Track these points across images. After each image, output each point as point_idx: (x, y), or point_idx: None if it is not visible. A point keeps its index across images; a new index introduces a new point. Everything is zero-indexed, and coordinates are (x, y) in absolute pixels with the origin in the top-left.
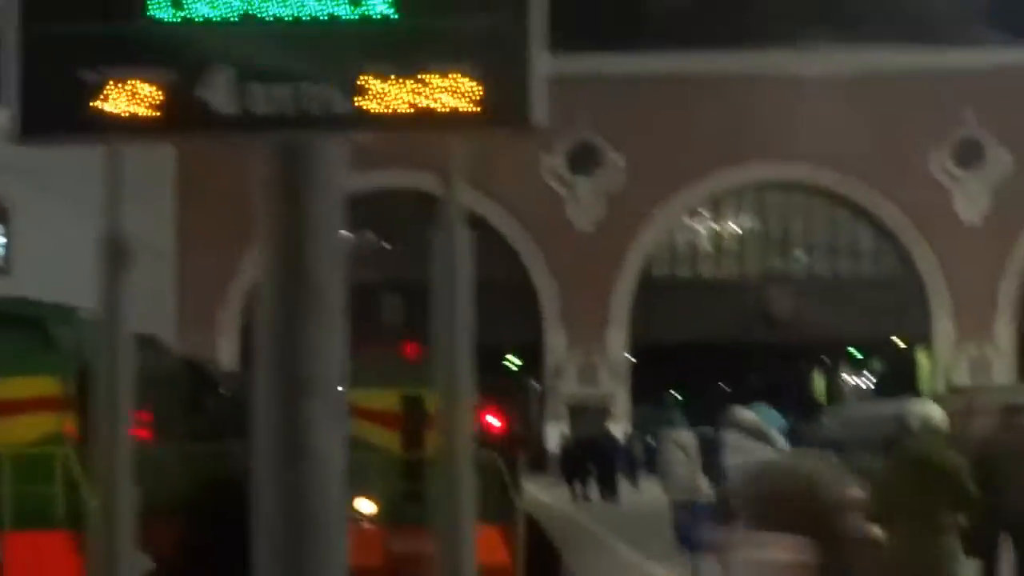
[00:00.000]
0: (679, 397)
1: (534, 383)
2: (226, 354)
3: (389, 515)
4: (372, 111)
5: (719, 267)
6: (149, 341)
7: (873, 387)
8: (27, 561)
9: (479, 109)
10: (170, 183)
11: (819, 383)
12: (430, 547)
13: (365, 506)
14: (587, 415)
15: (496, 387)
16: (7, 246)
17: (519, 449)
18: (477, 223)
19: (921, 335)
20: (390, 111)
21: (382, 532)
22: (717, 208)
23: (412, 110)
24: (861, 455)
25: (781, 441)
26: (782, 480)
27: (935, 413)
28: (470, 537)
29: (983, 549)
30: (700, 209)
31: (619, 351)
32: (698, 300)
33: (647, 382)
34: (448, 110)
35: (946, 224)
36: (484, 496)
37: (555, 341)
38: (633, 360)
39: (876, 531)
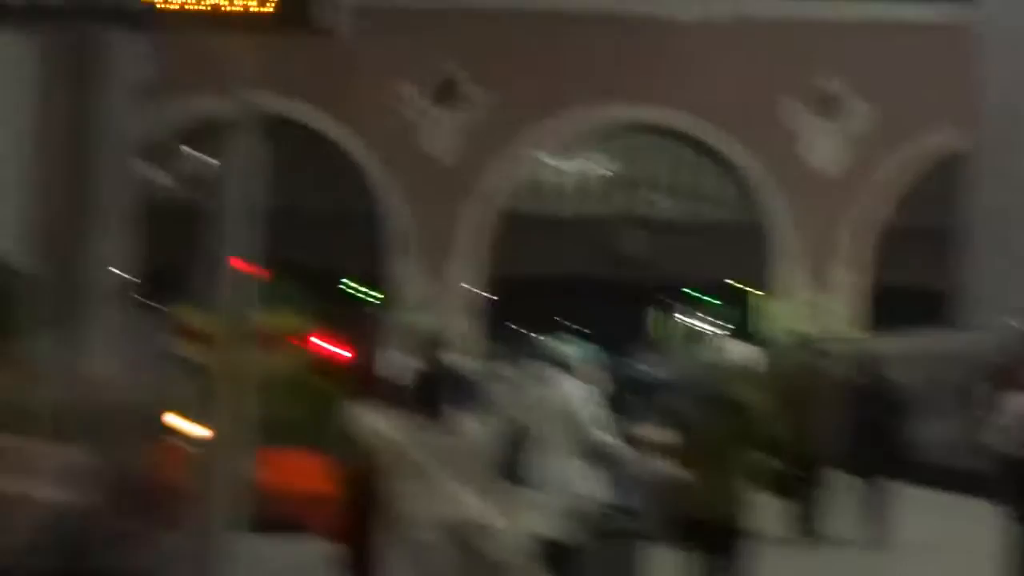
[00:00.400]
0: (528, 332)
1: (383, 314)
2: None
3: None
4: (163, 7)
5: (574, 205)
6: None
7: (717, 330)
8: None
9: (271, 9)
10: None
11: (661, 324)
12: (254, 470)
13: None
14: (436, 347)
15: (340, 316)
16: None
17: (359, 378)
18: (331, 150)
19: (767, 281)
20: (181, 8)
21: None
22: (576, 147)
23: (205, 7)
24: (677, 396)
25: (593, 375)
26: None
27: (747, 355)
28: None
29: (793, 491)
30: (559, 147)
31: (471, 284)
32: (551, 237)
33: (497, 316)
34: (240, 9)
35: (798, 173)
36: (313, 424)
37: (405, 272)
38: (484, 294)
39: (682, 471)
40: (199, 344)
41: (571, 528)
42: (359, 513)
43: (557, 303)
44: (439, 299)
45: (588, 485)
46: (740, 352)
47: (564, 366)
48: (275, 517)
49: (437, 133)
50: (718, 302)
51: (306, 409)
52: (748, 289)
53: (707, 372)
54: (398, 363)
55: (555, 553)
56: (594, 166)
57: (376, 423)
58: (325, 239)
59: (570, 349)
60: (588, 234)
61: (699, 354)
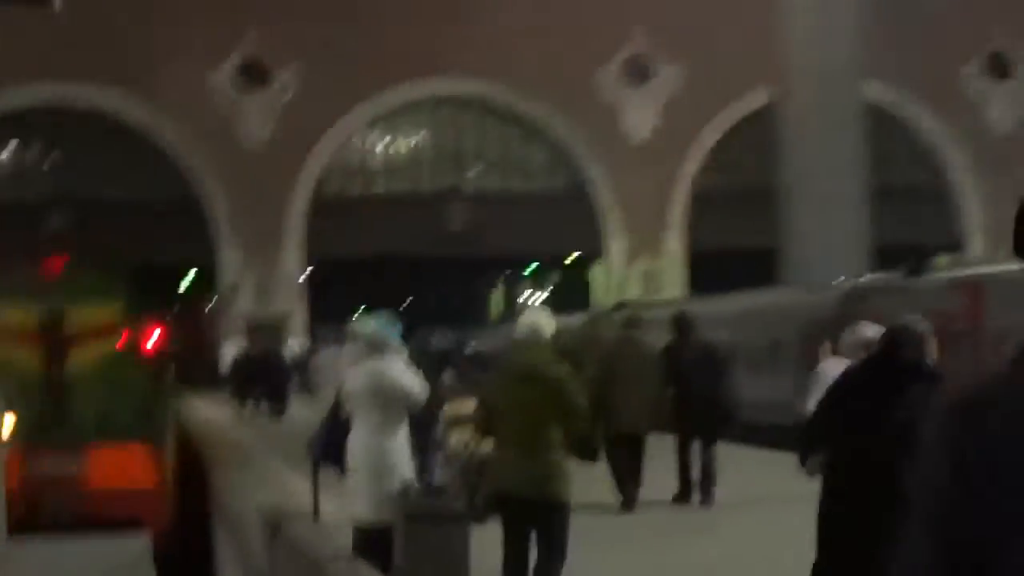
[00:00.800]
0: (352, 313)
1: (208, 302)
2: None
3: (29, 436)
4: None
5: (395, 183)
6: None
7: (547, 302)
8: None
9: None
10: None
11: (494, 299)
12: (71, 467)
13: (4, 427)
14: (263, 333)
15: (164, 306)
16: None
17: (180, 367)
18: (141, 140)
19: (595, 250)
20: None
21: (21, 454)
22: (392, 124)
23: None
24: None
25: (399, 350)
26: None
27: (544, 323)
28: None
29: (610, 457)
30: (374, 124)
31: (294, 268)
32: (375, 216)
33: (326, 299)
34: None
35: (616, 141)
36: (133, 415)
37: (229, 259)
38: (310, 278)
39: (488, 446)
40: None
41: (389, 511)
42: (187, 505)
43: (385, 283)
44: (267, 285)
45: (406, 465)
46: (539, 322)
47: (378, 345)
48: (102, 514)
49: (250, 118)
50: (546, 273)
51: (129, 402)
52: (582, 260)
53: (512, 344)
54: (227, 351)
55: (373, 538)
56: (412, 143)
57: (203, 412)
58: (151, 231)
59: (381, 328)
60: (413, 212)
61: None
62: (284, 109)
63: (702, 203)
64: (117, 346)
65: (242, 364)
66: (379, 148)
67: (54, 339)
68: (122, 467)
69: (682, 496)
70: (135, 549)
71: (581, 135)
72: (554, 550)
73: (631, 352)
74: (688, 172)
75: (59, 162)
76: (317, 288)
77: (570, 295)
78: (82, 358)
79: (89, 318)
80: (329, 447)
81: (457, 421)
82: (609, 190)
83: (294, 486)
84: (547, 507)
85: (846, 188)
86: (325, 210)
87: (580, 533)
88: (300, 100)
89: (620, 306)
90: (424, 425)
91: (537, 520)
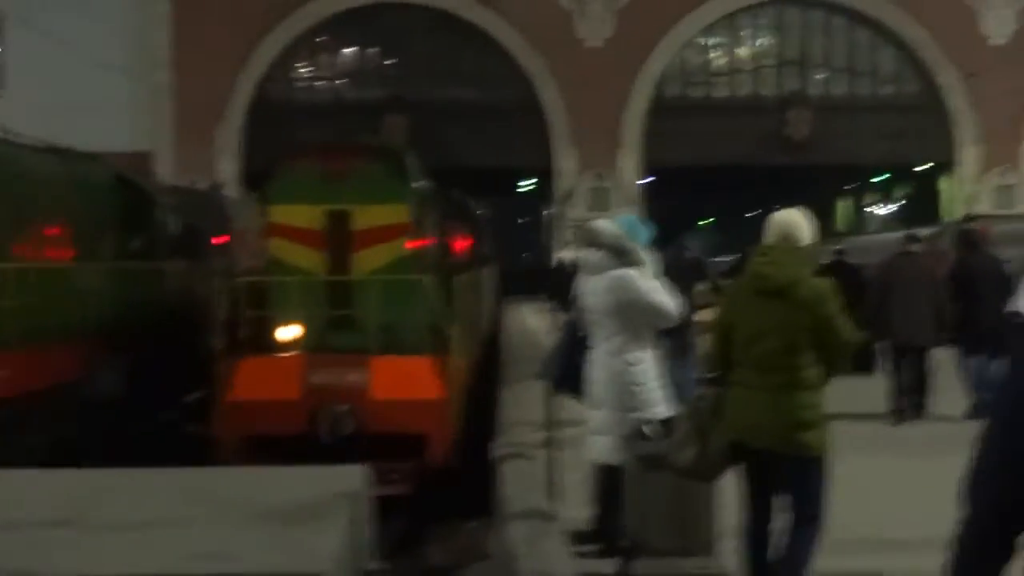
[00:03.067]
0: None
1: (546, 207)
2: (226, 174)
3: (311, 344)
4: None
5: (736, 88)
6: (84, 157)
7: (896, 215)
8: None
9: None
10: None
11: (840, 210)
12: (353, 376)
13: (285, 333)
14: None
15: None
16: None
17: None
18: (485, 42)
19: (946, 160)
20: None
21: (302, 362)
22: (733, 26)
23: None
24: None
25: (646, 258)
26: None
27: (800, 225)
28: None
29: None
30: (716, 27)
31: (630, 175)
32: (713, 122)
33: (660, 206)
34: None
35: (972, 44)
36: (421, 324)
37: (565, 165)
38: (647, 185)
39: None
40: None
41: (627, 453)
42: (471, 422)
43: (724, 192)
44: (602, 192)
45: (652, 396)
46: (793, 222)
47: (622, 251)
48: (384, 428)
49: (593, 20)
50: (895, 183)
51: (417, 310)
52: (926, 169)
53: (757, 251)
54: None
55: (612, 475)
56: (754, 46)
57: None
58: (491, 136)
59: (627, 230)
60: (754, 118)
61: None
62: (623, 10)
63: None
64: (407, 249)
65: (559, 269)
66: (720, 51)
67: (340, 240)
68: (408, 379)
69: (975, 412)
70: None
71: (934, 38)
72: (806, 515)
73: (908, 264)
74: None
75: (398, 62)
76: (653, 196)
77: (920, 207)
78: (369, 261)
79: (378, 219)
80: (566, 372)
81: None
82: (963, 96)
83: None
84: (797, 462)
85: None
86: (664, 115)
87: (853, 442)
88: (639, 1)
89: (969, 219)
90: (677, 341)
91: (785, 478)
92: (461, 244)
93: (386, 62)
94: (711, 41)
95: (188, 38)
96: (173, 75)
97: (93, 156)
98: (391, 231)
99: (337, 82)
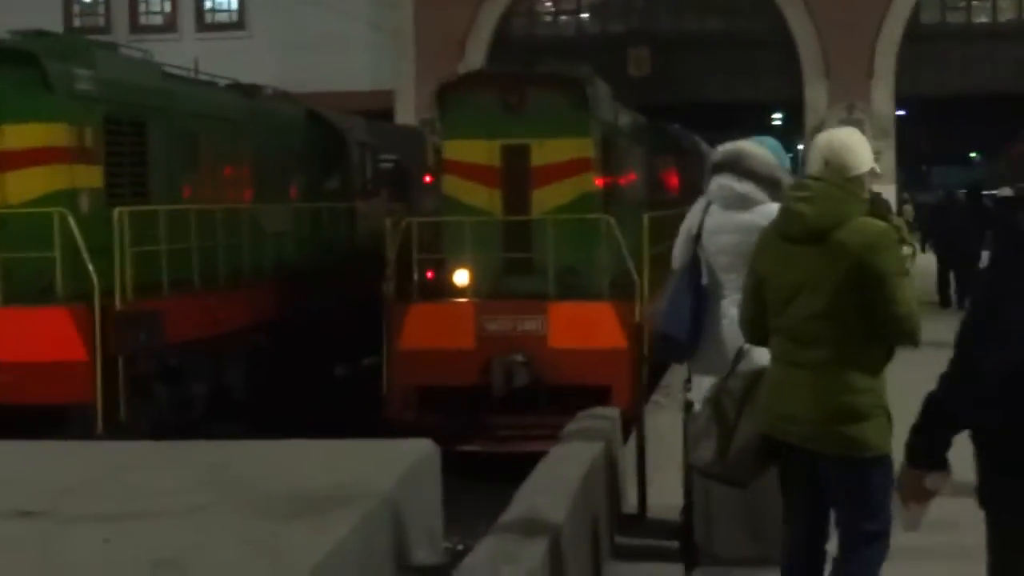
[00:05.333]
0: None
1: (796, 143)
2: None
3: (484, 288)
4: None
5: (997, 12)
6: (275, 96)
7: None
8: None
9: None
10: None
11: None
12: (529, 324)
13: (458, 277)
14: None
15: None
16: None
17: None
18: None
19: None
20: None
21: (475, 308)
22: None
23: None
24: None
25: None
26: None
27: (853, 148)
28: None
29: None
30: None
31: (885, 106)
32: (971, 49)
33: (915, 140)
34: None
35: None
36: (602, 268)
37: (815, 97)
38: (901, 116)
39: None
40: None
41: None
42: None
43: (990, 126)
44: (855, 125)
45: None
46: (843, 144)
47: (761, 183)
48: (563, 378)
49: None
50: None
51: (599, 253)
52: None
53: (792, 186)
54: None
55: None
56: None
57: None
58: (741, 68)
59: (768, 157)
60: (1018, 45)
61: None
62: None
63: None
64: (592, 186)
65: None
66: None
67: (517, 177)
68: (589, 327)
69: None
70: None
71: None
72: (863, 533)
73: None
74: None
75: None
76: (907, 127)
77: None
78: (549, 200)
79: (559, 154)
80: (680, 327)
81: None
82: None
83: None
84: (844, 464)
85: None
86: (920, 43)
87: None
88: None
89: None
90: None
91: (831, 483)
92: (670, 181)
93: None
94: None
95: None
96: (414, 12)
97: (285, 94)
98: (573, 167)
99: (581, 16)
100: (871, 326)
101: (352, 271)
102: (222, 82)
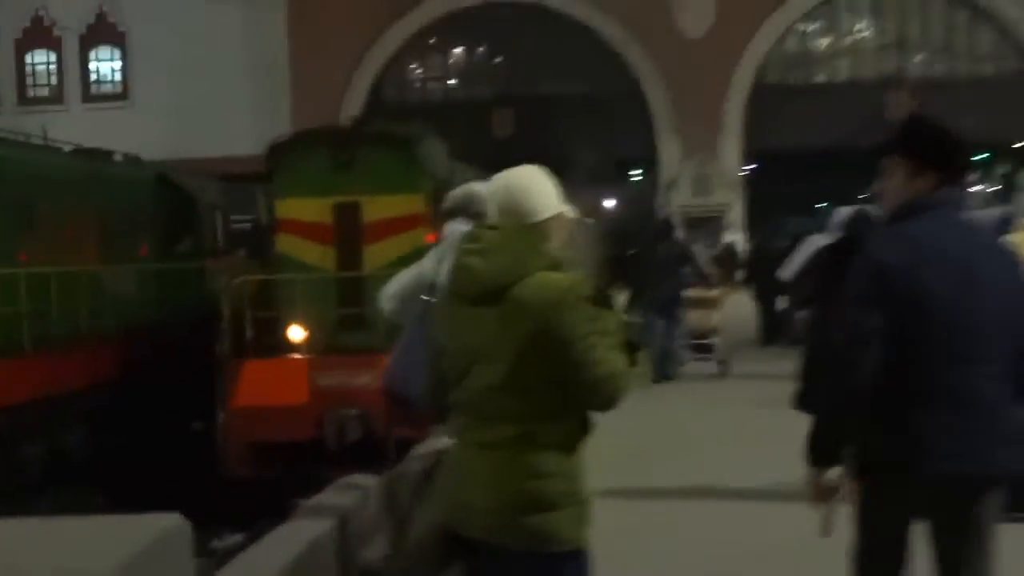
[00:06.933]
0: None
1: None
2: None
3: (318, 344)
4: None
5: (836, 72)
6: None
7: (996, 192)
8: None
9: None
10: None
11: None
12: (363, 378)
13: (293, 333)
14: (702, 226)
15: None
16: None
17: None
18: (588, 36)
19: None
20: None
21: (309, 364)
22: (831, 11)
23: None
24: None
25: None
26: None
27: (534, 192)
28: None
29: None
30: (814, 14)
31: (732, 161)
32: (812, 106)
33: (763, 191)
34: None
35: None
36: None
37: (668, 153)
38: (748, 169)
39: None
40: None
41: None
42: None
43: (823, 175)
44: (705, 178)
45: None
46: (521, 188)
47: None
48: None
49: (693, 11)
50: (997, 162)
51: None
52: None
53: (466, 237)
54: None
55: None
56: (852, 30)
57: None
58: (596, 127)
59: None
60: (853, 100)
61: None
62: (725, 1)
63: None
64: (425, 241)
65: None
66: (819, 37)
67: (350, 234)
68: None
69: None
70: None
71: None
72: None
73: None
74: None
75: (504, 60)
76: (755, 180)
77: (1019, 186)
78: (382, 255)
79: (390, 210)
80: (412, 385)
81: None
82: None
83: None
84: (530, 561)
85: None
86: (764, 101)
87: None
88: None
89: None
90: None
91: None
92: None
93: (493, 60)
94: (810, 27)
95: (304, 44)
96: (291, 79)
97: (136, 158)
98: (405, 222)
99: (447, 81)
100: (565, 396)
101: (202, 329)
102: (66, 147)
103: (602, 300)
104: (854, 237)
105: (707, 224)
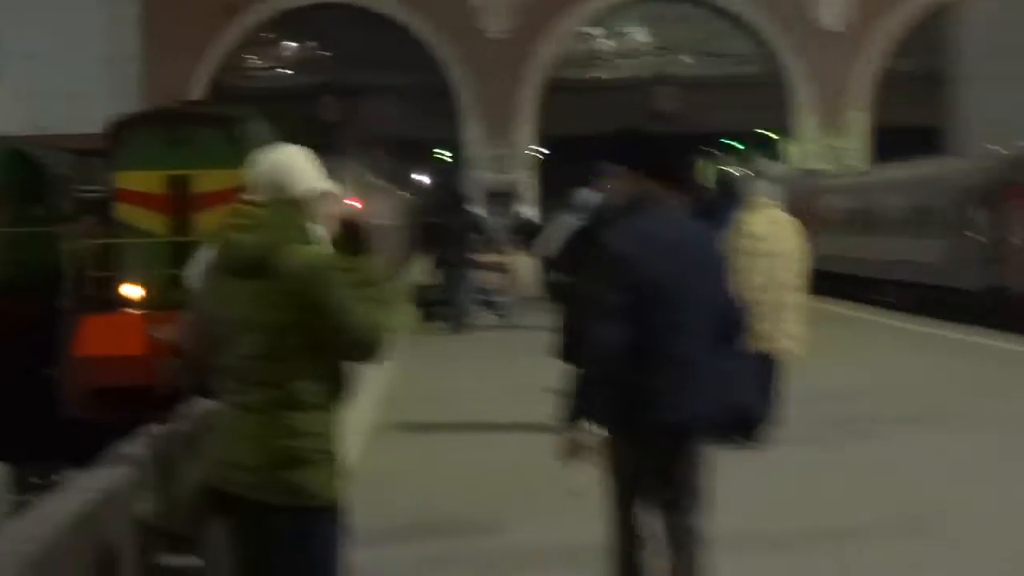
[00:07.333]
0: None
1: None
2: None
3: (153, 301)
4: None
5: (616, 71)
6: None
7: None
8: None
9: None
10: None
11: (705, 170)
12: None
13: (129, 291)
14: (499, 199)
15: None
16: None
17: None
18: (404, 35)
19: (789, 128)
20: None
21: (145, 319)
22: (615, 19)
23: None
24: None
25: None
26: None
27: (292, 168)
28: None
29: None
30: (600, 19)
31: (525, 144)
32: (597, 99)
33: (553, 170)
34: None
35: (810, 30)
36: None
37: (471, 136)
38: (541, 152)
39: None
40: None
41: None
42: None
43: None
44: (503, 158)
45: None
46: (283, 165)
47: None
48: None
49: (494, 14)
50: (747, 148)
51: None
52: (771, 135)
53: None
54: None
55: None
56: (630, 34)
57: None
58: (409, 113)
59: None
60: (631, 95)
61: None
62: (520, 5)
63: (884, 84)
64: None
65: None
66: (603, 40)
67: (181, 203)
68: None
69: None
70: None
71: (778, 24)
72: None
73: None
74: (874, 57)
75: (331, 53)
76: (547, 160)
77: (769, 166)
78: (209, 223)
79: (216, 183)
80: None
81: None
82: (802, 74)
83: None
84: (289, 516)
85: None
86: (556, 94)
87: None
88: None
89: (809, 173)
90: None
91: (281, 537)
92: None
93: (321, 53)
94: (595, 31)
95: (154, 34)
96: (141, 67)
97: None
98: (231, 194)
99: (280, 71)
100: (323, 359)
101: (52, 288)
102: None
103: (356, 247)
104: (596, 225)
105: (505, 198)
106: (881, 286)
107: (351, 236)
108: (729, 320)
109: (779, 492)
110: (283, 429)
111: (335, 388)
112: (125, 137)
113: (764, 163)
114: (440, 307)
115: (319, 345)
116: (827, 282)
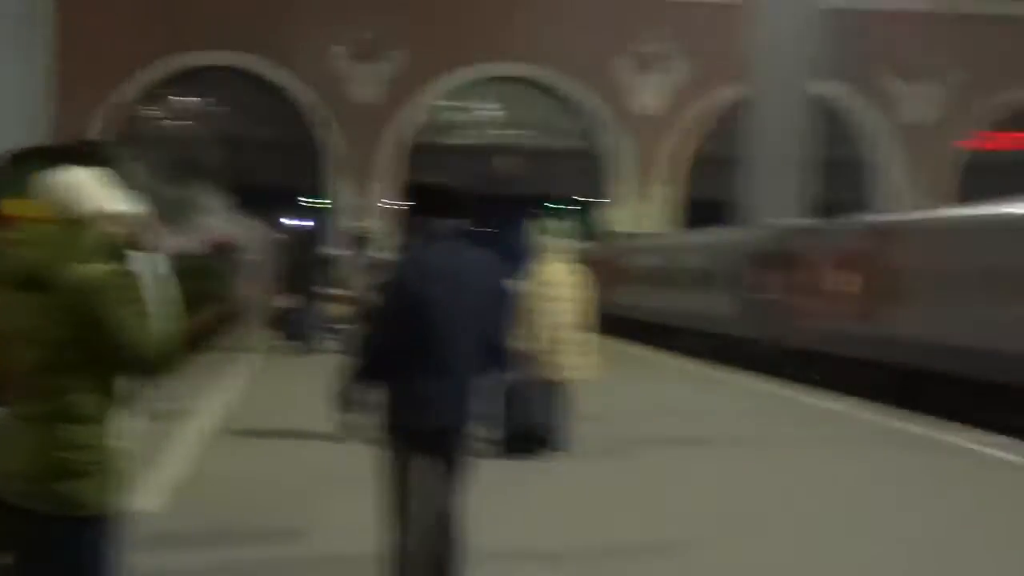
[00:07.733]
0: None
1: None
2: None
3: None
4: None
5: (466, 138)
6: None
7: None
8: None
9: None
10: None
11: (530, 228)
12: None
13: None
14: (359, 242)
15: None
16: None
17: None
18: (279, 95)
19: (605, 195)
20: None
21: None
22: (467, 94)
23: None
24: None
25: None
26: None
27: (83, 188)
28: None
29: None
30: (454, 93)
31: (388, 197)
32: (448, 161)
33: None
34: None
35: (631, 110)
36: None
37: (338, 187)
38: (398, 204)
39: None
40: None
41: None
42: None
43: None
44: (363, 208)
45: None
46: (68, 184)
47: None
48: None
49: (362, 84)
50: (567, 210)
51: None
52: (589, 200)
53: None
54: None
55: None
56: (479, 108)
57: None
58: (282, 162)
59: None
60: (475, 159)
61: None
62: (388, 78)
63: (690, 164)
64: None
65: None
66: (456, 111)
67: None
68: None
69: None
70: None
71: (602, 103)
72: None
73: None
74: (682, 140)
75: (220, 109)
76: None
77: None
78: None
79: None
80: None
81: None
82: (622, 150)
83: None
84: (56, 524)
85: (792, 157)
86: (411, 154)
87: None
88: (399, 73)
89: (611, 235)
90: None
91: (49, 546)
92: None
93: (210, 108)
94: (450, 104)
95: (67, 77)
96: (53, 107)
97: None
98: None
99: (176, 122)
100: (100, 372)
101: None
102: None
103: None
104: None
105: (363, 241)
106: (683, 335)
107: (220, 255)
108: (497, 345)
109: (555, 507)
110: (59, 441)
111: (113, 402)
112: (13, 172)
113: (564, 223)
114: (295, 331)
115: (98, 359)
116: (638, 329)
